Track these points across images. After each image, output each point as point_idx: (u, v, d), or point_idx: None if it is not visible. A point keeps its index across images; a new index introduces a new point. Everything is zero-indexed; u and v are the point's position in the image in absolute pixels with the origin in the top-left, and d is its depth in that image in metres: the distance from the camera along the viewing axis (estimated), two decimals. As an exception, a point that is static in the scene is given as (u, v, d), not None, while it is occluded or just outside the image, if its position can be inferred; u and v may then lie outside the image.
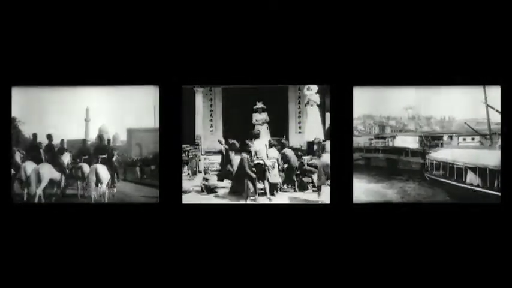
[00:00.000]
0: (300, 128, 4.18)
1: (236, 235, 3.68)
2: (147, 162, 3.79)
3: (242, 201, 3.76)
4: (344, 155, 3.68)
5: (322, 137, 3.86)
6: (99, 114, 3.77)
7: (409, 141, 3.30)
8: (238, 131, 4.00)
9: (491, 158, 2.85)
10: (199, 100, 4.06)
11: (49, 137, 3.54)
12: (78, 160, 3.70)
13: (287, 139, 4.11)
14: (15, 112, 3.72)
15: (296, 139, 4.12)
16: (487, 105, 3.02)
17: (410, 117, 3.69)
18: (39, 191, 3.36)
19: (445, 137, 3.17)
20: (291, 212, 3.70)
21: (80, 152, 3.77)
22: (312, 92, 3.88)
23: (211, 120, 4.18)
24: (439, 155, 3.04)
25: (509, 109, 3.58)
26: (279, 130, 4.08)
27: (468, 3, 3.64)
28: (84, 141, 3.74)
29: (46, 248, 3.68)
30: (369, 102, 3.69)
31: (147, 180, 3.78)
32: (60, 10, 3.72)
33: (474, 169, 2.82)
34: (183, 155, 3.81)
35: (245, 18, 3.71)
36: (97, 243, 3.68)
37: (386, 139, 3.46)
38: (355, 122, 3.69)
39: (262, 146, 3.84)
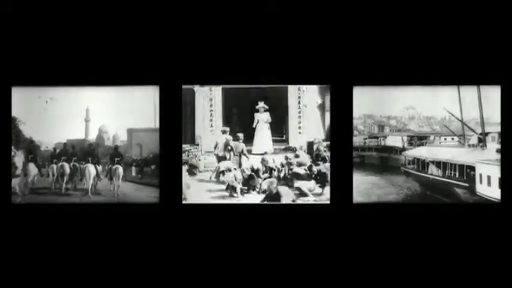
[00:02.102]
0: (300, 128, 4.18)
1: (236, 235, 3.68)
2: (147, 162, 3.80)
3: (242, 201, 3.76)
4: (344, 155, 3.68)
5: (322, 137, 3.87)
6: (99, 114, 3.78)
7: (398, 141, 3.72)
8: (238, 130, 4.00)
9: (450, 153, 3.51)
10: (199, 100, 4.06)
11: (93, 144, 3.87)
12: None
13: (287, 139, 4.11)
14: (15, 112, 3.72)
15: (296, 139, 4.11)
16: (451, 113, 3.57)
17: (411, 116, 3.71)
18: (90, 186, 3.79)
19: (432, 137, 3.59)
20: (291, 212, 3.70)
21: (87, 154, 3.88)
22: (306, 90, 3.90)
23: (211, 120, 4.18)
24: (411, 152, 3.59)
25: (509, 109, 3.59)
26: (279, 130, 4.08)
27: (468, 3, 3.65)
28: (93, 144, 3.85)
29: (46, 248, 3.68)
30: (369, 102, 3.70)
31: (144, 180, 3.80)
32: (60, 10, 3.72)
33: (433, 162, 3.50)
34: (183, 154, 3.81)
35: (245, 18, 3.71)
36: (97, 243, 3.68)
37: (379, 139, 3.72)
38: (355, 122, 3.70)
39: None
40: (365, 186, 3.65)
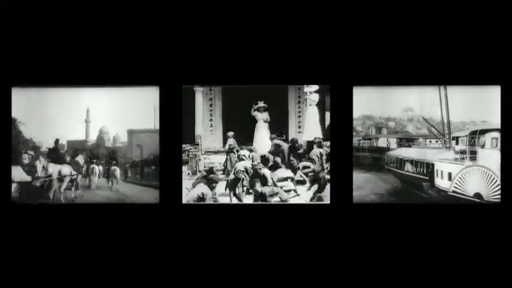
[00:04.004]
0: (299, 127, 4.19)
1: (236, 235, 3.69)
2: (147, 163, 3.81)
3: (241, 202, 3.77)
4: (344, 155, 3.69)
5: (321, 136, 3.88)
6: (100, 115, 3.78)
7: (386, 143, 3.99)
8: (238, 130, 4.01)
9: (425, 153, 3.86)
10: (199, 100, 4.07)
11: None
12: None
13: (287, 139, 4.12)
14: (15, 113, 3.73)
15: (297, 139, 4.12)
16: (428, 121, 3.82)
17: (410, 118, 3.72)
18: (96, 183, 3.95)
19: (421, 139, 3.87)
20: (291, 212, 3.71)
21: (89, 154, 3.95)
22: (310, 89, 3.90)
23: (211, 120, 4.19)
24: (392, 152, 3.94)
25: (509, 109, 3.59)
26: (279, 130, 4.08)
27: (468, 3, 3.64)
28: (96, 145, 3.89)
29: (46, 248, 3.69)
30: (369, 103, 3.71)
31: (145, 181, 3.81)
32: (60, 10, 3.72)
33: (408, 160, 3.91)
34: (183, 154, 3.81)
35: (245, 18, 3.71)
36: (97, 244, 3.69)
37: (372, 140, 3.90)
38: (354, 123, 3.71)
39: None
40: (360, 182, 3.77)
